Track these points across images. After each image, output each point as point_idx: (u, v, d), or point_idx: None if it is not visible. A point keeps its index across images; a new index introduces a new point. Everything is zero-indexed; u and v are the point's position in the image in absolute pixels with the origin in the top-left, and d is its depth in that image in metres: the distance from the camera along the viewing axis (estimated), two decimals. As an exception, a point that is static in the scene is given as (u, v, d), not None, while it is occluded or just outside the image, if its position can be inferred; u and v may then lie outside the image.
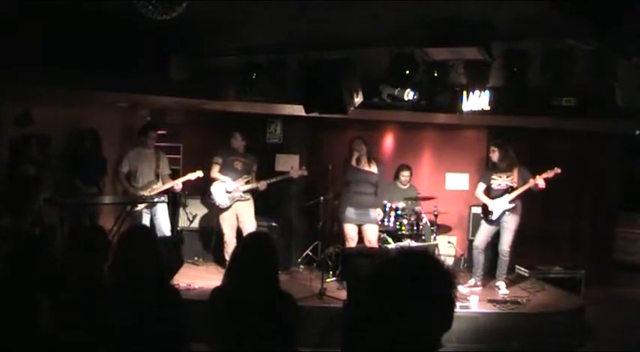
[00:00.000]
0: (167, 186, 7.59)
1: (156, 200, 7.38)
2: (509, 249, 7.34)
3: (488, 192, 7.49)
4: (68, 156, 7.68)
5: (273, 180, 7.76)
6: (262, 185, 7.66)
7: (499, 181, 7.40)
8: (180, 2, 4.02)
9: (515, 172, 7.32)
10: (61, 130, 7.81)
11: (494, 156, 7.42)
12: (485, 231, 7.53)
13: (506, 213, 7.31)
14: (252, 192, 7.77)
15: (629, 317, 7.60)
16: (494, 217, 7.37)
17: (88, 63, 6.03)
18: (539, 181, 7.05)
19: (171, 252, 6.94)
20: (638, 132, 7.47)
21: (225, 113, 8.25)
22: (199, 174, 7.57)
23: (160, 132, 7.97)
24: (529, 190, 7.23)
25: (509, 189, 7.29)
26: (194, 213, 8.40)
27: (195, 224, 8.49)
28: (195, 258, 8.58)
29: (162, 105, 8.44)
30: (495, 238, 7.53)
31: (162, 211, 7.57)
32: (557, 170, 7.03)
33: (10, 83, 6.15)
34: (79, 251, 3.26)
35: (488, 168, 7.68)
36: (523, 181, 7.26)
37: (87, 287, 3.12)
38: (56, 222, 6.84)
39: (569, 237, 8.89)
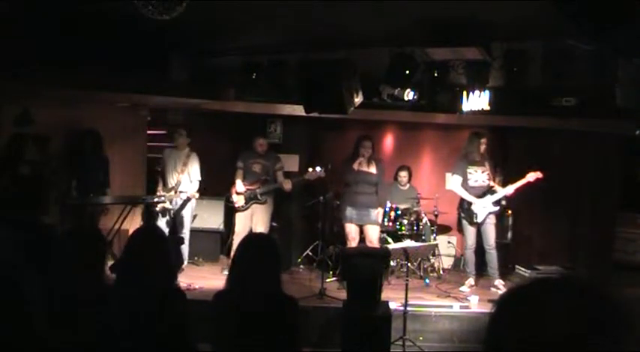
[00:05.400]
0: (179, 197, 7.57)
1: (155, 200, 7.38)
2: (494, 243, 7.33)
3: (465, 188, 7.37)
4: (67, 157, 7.67)
5: (295, 180, 7.71)
6: (287, 184, 7.60)
7: (476, 177, 7.34)
8: (180, 2, 4.02)
9: (488, 166, 7.35)
10: (61, 130, 7.81)
11: (483, 148, 7.38)
12: (472, 233, 7.44)
13: (490, 214, 7.30)
14: (277, 192, 7.75)
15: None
16: (479, 220, 7.30)
17: (88, 63, 6.03)
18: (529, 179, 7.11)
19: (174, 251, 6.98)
20: (638, 132, 7.44)
21: (225, 113, 8.25)
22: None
23: (160, 132, 7.97)
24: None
25: (491, 190, 7.28)
26: (194, 213, 8.40)
27: (196, 224, 8.49)
28: (196, 258, 8.57)
29: (162, 105, 8.44)
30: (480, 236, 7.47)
31: (188, 210, 7.65)
32: (539, 175, 7.09)
33: (10, 83, 6.14)
34: (75, 252, 3.24)
35: (460, 159, 7.53)
36: (493, 176, 7.35)
37: (86, 287, 3.11)
38: (56, 223, 6.84)
39: (569, 236, 8.88)
